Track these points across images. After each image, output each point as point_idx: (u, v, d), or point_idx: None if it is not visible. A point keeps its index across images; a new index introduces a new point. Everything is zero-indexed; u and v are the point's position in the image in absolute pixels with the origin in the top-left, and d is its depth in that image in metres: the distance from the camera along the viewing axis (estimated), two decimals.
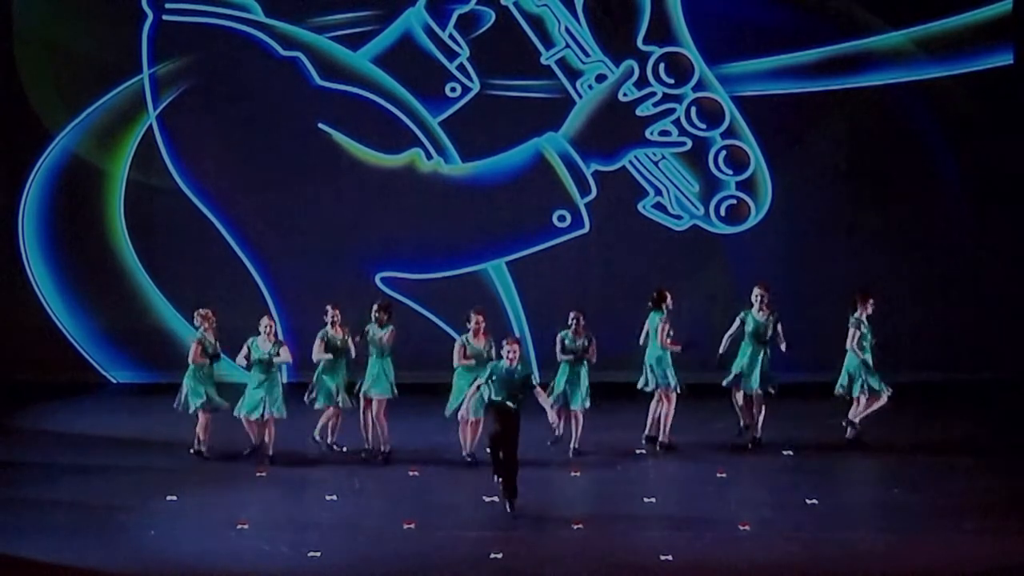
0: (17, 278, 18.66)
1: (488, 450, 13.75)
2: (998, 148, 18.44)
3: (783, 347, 15.53)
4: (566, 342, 15.38)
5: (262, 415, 15.08)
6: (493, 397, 13.55)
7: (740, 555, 12.49)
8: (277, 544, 12.74)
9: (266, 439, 15.18)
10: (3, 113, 18.55)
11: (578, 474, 14.68)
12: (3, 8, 18.46)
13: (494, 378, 13.55)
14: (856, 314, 15.68)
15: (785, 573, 12.18)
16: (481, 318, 14.97)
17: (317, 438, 15.45)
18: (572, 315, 15.45)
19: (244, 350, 15.14)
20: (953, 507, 13.76)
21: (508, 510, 13.51)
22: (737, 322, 15.59)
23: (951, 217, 18.64)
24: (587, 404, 15.35)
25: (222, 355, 15.46)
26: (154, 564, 12.36)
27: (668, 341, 15.49)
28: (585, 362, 15.37)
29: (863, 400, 15.75)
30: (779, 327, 15.53)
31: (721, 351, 15.61)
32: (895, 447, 15.86)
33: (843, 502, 14.04)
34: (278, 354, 15.13)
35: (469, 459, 14.98)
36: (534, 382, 13.65)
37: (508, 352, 13.63)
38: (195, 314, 15.57)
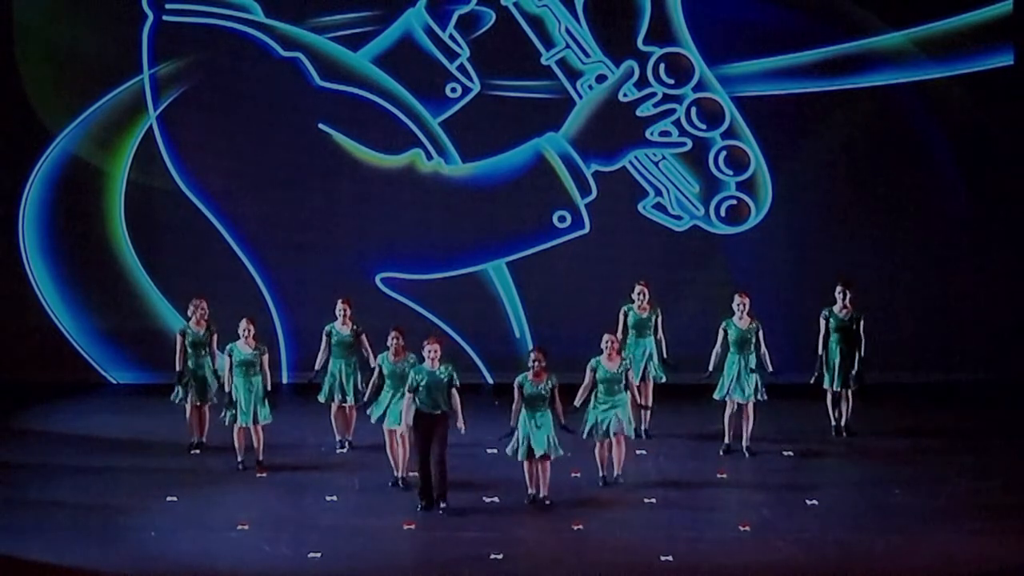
0: (17, 278, 18.65)
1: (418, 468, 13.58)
2: (998, 148, 18.44)
3: (768, 366, 15.33)
4: (525, 388, 13.53)
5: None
6: (420, 404, 13.39)
7: (740, 555, 12.49)
8: (277, 544, 12.74)
9: (255, 444, 14.93)
10: (3, 113, 18.54)
11: (578, 475, 14.63)
12: (3, 8, 18.45)
13: (422, 384, 13.39)
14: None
15: (785, 573, 12.18)
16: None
17: (340, 448, 15.55)
18: (532, 356, 13.57)
19: (227, 360, 14.78)
20: (953, 507, 13.77)
21: (439, 508, 13.42)
22: (720, 333, 15.46)
23: (951, 217, 18.61)
24: (560, 452, 13.69)
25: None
26: (154, 564, 12.36)
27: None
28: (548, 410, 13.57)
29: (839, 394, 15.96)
30: (760, 335, 15.35)
31: (711, 368, 15.44)
32: (895, 448, 15.86)
33: (843, 502, 14.02)
34: (261, 362, 14.77)
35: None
36: (457, 382, 13.45)
37: (429, 352, 13.43)
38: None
